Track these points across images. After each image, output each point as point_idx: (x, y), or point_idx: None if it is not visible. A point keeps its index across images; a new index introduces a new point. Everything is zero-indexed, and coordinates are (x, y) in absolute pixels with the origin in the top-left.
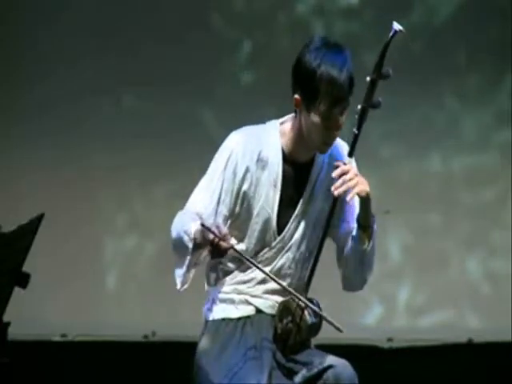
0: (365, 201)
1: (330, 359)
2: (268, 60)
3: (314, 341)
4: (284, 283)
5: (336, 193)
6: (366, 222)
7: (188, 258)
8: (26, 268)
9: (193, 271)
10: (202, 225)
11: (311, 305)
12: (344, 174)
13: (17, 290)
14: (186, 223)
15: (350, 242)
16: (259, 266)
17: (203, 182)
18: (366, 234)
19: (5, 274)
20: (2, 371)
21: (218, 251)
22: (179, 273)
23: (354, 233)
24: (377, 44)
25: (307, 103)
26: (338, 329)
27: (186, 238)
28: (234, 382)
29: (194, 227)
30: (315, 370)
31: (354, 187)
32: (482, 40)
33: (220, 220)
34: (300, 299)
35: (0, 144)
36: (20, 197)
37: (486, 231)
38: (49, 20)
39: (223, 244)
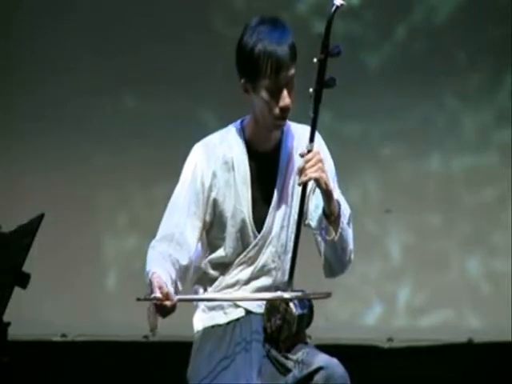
0: (325, 191)
1: (322, 359)
2: None
3: (314, 340)
4: (259, 295)
5: (298, 183)
6: (330, 211)
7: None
8: (25, 268)
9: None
10: (139, 299)
11: (293, 294)
12: (307, 162)
13: (17, 289)
14: (149, 264)
15: (322, 232)
16: (214, 296)
17: (173, 200)
18: (333, 225)
19: (5, 274)
20: (2, 371)
21: (164, 311)
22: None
23: (323, 224)
24: (377, 44)
25: (253, 84)
26: (326, 295)
27: (147, 281)
28: (223, 377)
29: (149, 275)
30: (306, 372)
31: (313, 173)
32: (482, 40)
33: (196, 233)
34: (281, 298)
35: (0, 144)
36: (20, 197)
37: (485, 231)
38: (49, 20)
39: (168, 303)
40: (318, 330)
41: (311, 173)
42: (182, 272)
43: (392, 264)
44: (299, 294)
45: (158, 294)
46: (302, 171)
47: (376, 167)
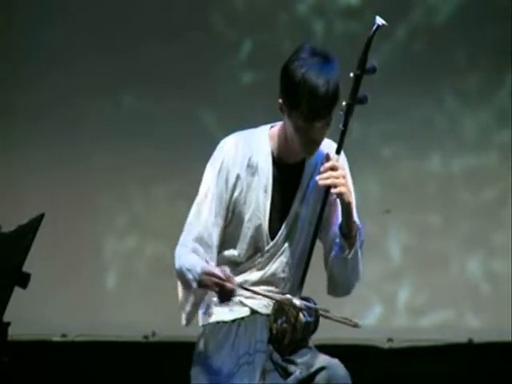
0: (346, 208)
1: (323, 360)
2: (268, 60)
3: (314, 340)
4: (277, 296)
5: (321, 182)
6: (347, 230)
7: (192, 297)
8: (25, 268)
9: (198, 309)
10: (206, 273)
11: (309, 304)
12: (333, 169)
13: (17, 289)
14: (190, 260)
15: (334, 248)
16: (269, 294)
17: (200, 197)
18: (348, 243)
19: (5, 273)
20: (2, 371)
21: (224, 293)
22: (185, 309)
23: (337, 239)
24: (377, 44)
25: (289, 110)
26: (354, 325)
27: (189, 277)
28: (226, 377)
29: (199, 267)
30: (307, 372)
31: (338, 186)
32: (482, 40)
33: (219, 232)
34: (295, 306)
35: (0, 144)
36: (20, 197)
37: (485, 231)
38: (49, 20)
39: (228, 285)
40: (318, 330)
41: (339, 186)
42: None
43: (392, 264)
44: (329, 314)
45: (219, 273)
46: (326, 176)
47: (376, 167)
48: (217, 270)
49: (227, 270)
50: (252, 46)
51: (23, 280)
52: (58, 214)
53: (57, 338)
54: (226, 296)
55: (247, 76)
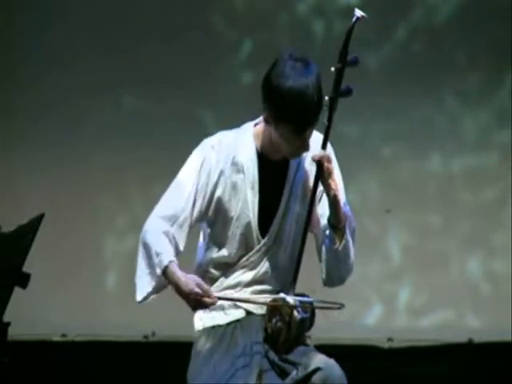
0: (333, 201)
1: (319, 360)
2: (268, 60)
3: (313, 340)
4: (263, 298)
5: (314, 157)
6: (335, 222)
7: (155, 282)
8: (25, 268)
9: (156, 293)
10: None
11: (302, 298)
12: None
13: (17, 289)
14: (161, 243)
15: (325, 240)
16: (251, 298)
17: (179, 182)
18: (338, 234)
19: (5, 274)
20: (2, 371)
21: (200, 306)
22: (143, 288)
23: (327, 232)
24: (377, 44)
25: (276, 122)
26: (338, 307)
27: (155, 261)
28: (222, 379)
29: (166, 260)
30: (304, 373)
31: (328, 169)
32: (482, 40)
33: (192, 223)
34: (289, 304)
35: (0, 144)
36: (20, 197)
37: (485, 231)
38: (49, 20)
39: (208, 300)
40: (317, 330)
41: (329, 170)
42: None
43: (392, 264)
44: (310, 302)
45: (197, 290)
46: (319, 156)
47: (376, 167)
48: (192, 285)
49: (203, 283)
50: (252, 46)
51: (23, 280)
52: (57, 214)
53: (57, 338)
54: (201, 307)
55: (247, 76)
